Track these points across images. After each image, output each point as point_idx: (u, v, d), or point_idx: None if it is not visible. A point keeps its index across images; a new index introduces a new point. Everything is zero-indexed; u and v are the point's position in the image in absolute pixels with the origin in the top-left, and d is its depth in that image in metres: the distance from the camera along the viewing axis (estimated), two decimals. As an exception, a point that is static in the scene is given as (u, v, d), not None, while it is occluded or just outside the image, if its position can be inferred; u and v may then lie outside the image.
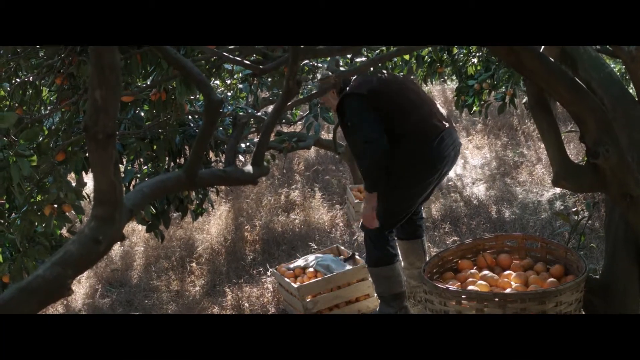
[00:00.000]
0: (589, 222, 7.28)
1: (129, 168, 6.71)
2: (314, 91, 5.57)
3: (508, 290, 4.35)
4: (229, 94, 9.43)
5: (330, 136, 10.46)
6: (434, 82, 13.36)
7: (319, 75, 6.01)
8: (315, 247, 8.62)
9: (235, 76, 9.28)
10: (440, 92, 16.80)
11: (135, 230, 10.74)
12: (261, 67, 3.52)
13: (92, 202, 1.57)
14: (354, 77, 5.74)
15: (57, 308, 8.64)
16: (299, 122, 10.61)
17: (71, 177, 6.32)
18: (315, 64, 7.35)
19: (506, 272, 4.69)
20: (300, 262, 7.06)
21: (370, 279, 6.39)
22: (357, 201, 7.38)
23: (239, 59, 3.84)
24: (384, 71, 6.10)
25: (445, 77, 15.23)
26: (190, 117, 6.74)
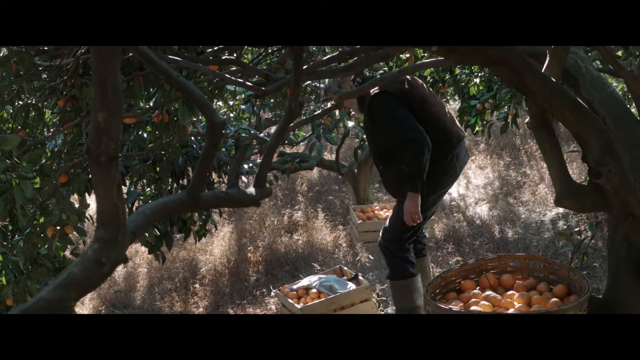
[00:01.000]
0: (592, 241, 7.28)
1: (131, 190, 6.73)
2: (317, 112, 5.52)
3: (511, 311, 4.34)
4: (231, 115, 9.48)
5: (333, 157, 10.47)
6: (436, 102, 13.38)
7: (322, 89, 5.92)
8: (319, 267, 8.61)
9: (237, 97, 9.31)
10: (443, 112, 16.80)
11: (139, 252, 10.75)
12: (263, 88, 3.52)
13: (95, 224, 1.57)
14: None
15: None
16: (301, 143, 10.63)
17: (74, 199, 6.33)
18: (318, 84, 7.36)
19: (509, 292, 4.68)
20: (303, 282, 7.04)
21: (372, 298, 6.37)
22: (360, 222, 7.37)
23: (241, 80, 3.85)
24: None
25: (448, 97, 15.24)
26: (192, 138, 6.75)
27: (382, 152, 5.72)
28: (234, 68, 5.04)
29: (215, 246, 10.36)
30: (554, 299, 4.40)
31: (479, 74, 9.17)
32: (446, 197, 11.30)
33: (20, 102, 5.27)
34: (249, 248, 10.04)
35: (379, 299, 6.87)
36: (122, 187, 1.81)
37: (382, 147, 5.71)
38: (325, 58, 3.70)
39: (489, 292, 4.69)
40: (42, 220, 4.97)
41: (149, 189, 6.77)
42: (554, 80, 3.22)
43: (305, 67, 3.46)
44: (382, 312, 6.79)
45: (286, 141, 9.83)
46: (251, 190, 2.11)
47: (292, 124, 2.35)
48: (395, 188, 5.75)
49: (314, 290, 6.72)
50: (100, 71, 1.40)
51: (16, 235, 5.63)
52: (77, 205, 5.01)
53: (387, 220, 5.86)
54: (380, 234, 5.86)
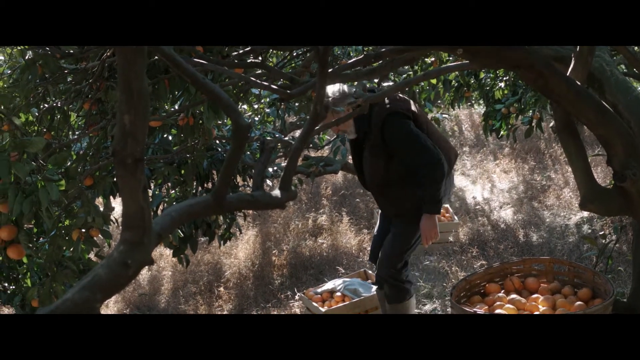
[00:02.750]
0: (617, 245, 7.24)
1: (157, 192, 6.75)
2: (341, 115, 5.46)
3: (536, 314, 4.33)
4: (256, 118, 9.48)
5: (358, 160, 10.45)
6: (461, 106, 13.34)
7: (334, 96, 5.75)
8: (343, 271, 8.60)
9: (262, 101, 9.33)
10: (468, 116, 16.74)
11: (163, 255, 10.77)
12: (289, 91, 3.52)
13: (121, 227, 1.58)
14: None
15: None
16: (326, 147, 10.62)
17: (99, 202, 6.36)
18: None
19: (534, 296, 4.67)
20: (327, 286, 7.04)
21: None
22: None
23: (267, 83, 3.86)
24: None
25: (473, 101, 15.21)
26: (217, 141, 6.76)
27: (386, 175, 5.54)
28: (259, 71, 5.04)
29: (240, 249, 10.36)
30: (579, 303, 4.39)
31: (504, 78, 9.16)
32: (471, 200, 11.29)
33: (46, 105, 5.29)
34: (274, 252, 10.04)
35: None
36: (148, 189, 1.81)
37: (389, 170, 5.51)
38: (350, 61, 3.70)
39: (513, 296, 4.68)
40: (67, 222, 4.98)
41: (173, 191, 6.79)
42: (578, 83, 3.21)
43: (330, 70, 3.47)
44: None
45: (311, 145, 9.82)
46: (276, 192, 2.11)
47: (317, 127, 2.34)
48: (397, 209, 5.64)
49: (339, 294, 6.73)
50: (126, 74, 1.41)
51: (41, 238, 5.65)
52: (102, 208, 5.02)
53: (385, 252, 5.67)
54: (382, 267, 5.66)
